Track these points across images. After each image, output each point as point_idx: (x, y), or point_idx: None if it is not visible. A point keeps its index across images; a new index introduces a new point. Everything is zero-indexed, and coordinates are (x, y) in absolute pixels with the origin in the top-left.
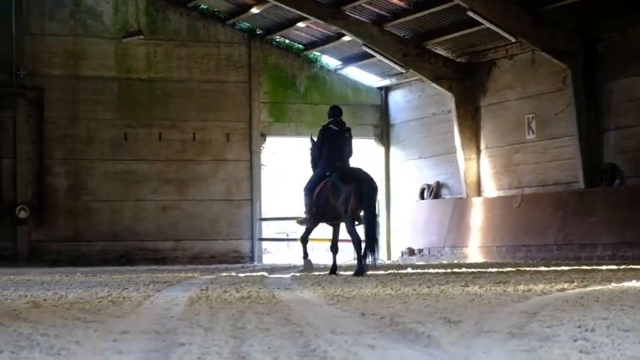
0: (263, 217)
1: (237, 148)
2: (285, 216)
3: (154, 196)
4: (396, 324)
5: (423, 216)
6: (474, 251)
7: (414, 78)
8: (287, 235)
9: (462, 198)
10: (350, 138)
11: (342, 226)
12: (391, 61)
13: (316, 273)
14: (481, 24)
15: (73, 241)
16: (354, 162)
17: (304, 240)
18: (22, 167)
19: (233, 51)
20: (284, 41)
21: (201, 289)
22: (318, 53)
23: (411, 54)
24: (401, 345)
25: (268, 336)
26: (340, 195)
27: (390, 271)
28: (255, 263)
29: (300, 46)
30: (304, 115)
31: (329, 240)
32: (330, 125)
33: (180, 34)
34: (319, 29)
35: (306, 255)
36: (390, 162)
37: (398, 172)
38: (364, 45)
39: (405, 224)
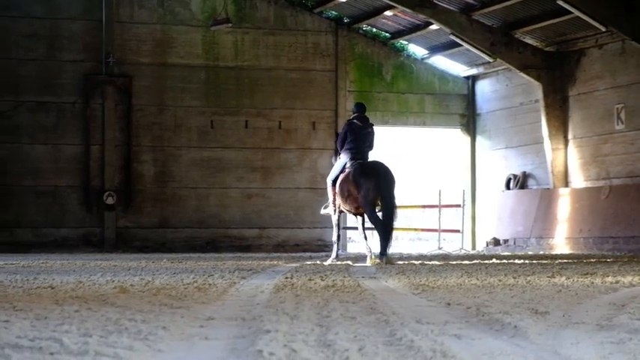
0: None
1: (322, 136)
2: None
3: (239, 184)
4: (482, 314)
5: (508, 206)
6: (561, 242)
7: (502, 67)
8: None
9: (548, 188)
10: (372, 133)
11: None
12: (479, 50)
13: (400, 262)
14: (571, 13)
15: (159, 227)
16: (376, 155)
17: (338, 237)
18: (110, 154)
19: (320, 39)
20: (371, 30)
21: (286, 277)
22: (404, 42)
23: (499, 43)
24: (487, 335)
25: (354, 324)
26: (360, 186)
27: (475, 261)
28: (340, 252)
29: (387, 34)
30: (390, 104)
31: (406, 229)
32: (354, 120)
33: (267, 22)
34: (407, 18)
35: (338, 247)
36: (476, 152)
37: (484, 162)
38: (452, 34)
39: (490, 214)
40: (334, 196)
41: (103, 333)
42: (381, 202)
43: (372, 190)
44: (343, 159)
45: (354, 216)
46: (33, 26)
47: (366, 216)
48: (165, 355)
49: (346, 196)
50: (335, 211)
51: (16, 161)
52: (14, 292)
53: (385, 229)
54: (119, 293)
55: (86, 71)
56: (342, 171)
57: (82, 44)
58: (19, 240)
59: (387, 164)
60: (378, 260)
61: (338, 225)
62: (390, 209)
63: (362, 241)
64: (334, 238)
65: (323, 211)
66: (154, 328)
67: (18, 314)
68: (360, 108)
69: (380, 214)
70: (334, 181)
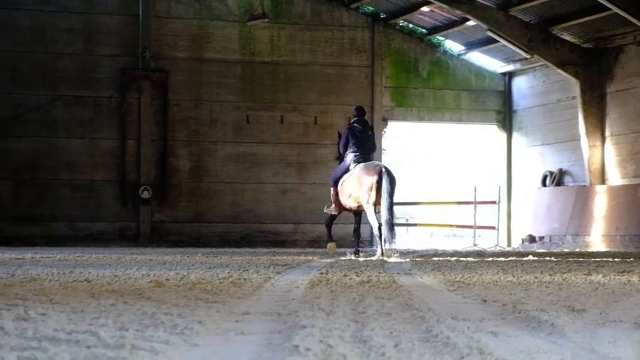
0: None
1: None
2: (405, 201)
3: (274, 179)
4: (519, 311)
5: (544, 203)
6: (597, 240)
7: (539, 64)
8: (407, 220)
9: (585, 186)
10: (372, 135)
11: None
12: (516, 46)
13: (435, 259)
14: (609, 9)
15: (194, 222)
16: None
17: (328, 225)
18: (146, 148)
19: (356, 35)
20: (407, 25)
21: (321, 273)
22: (441, 38)
23: (537, 39)
24: (524, 333)
25: (390, 320)
26: (362, 186)
27: (510, 258)
28: (375, 248)
29: (424, 30)
30: (426, 100)
31: (441, 226)
32: (354, 124)
33: (304, 17)
34: (443, 14)
35: (330, 239)
36: (512, 148)
37: (520, 158)
38: (489, 30)
39: (525, 211)
40: (336, 195)
41: (139, 327)
42: (381, 202)
43: (375, 190)
44: (347, 161)
45: (353, 214)
46: (70, 21)
47: (368, 214)
48: (201, 349)
49: (349, 195)
50: (336, 210)
51: (53, 155)
52: (51, 285)
53: (388, 227)
54: (155, 287)
55: (123, 66)
56: (345, 172)
57: (119, 39)
58: (55, 233)
59: (389, 166)
60: (379, 257)
61: (332, 219)
62: (390, 209)
63: (356, 238)
64: (329, 234)
65: (326, 210)
66: (190, 323)
67: (55, 307)
68: (360, 112)
69: (380, 214)
70: (336, 182)
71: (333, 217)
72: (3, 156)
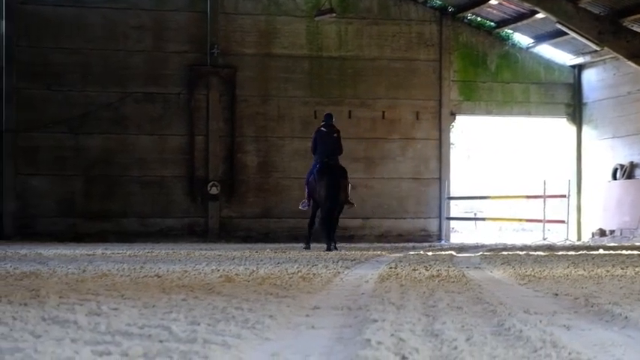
0: (451, 196)
1: (426, 126)
2: (473, 195)
3: None
4: (591, 305)
5: (615, 197)
6: None
7: (609, 56)
8: (475, 214)
9: None
10: (338, 138)
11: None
12: (586, 38)
13: (505, 253)
14: None
15: (262, 217)
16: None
17: (310, 225)
18: (214, 144)
19: (424, 29)
20: (475, 19)
21: (390, 267)
22: (510, 31)
23: (607, 31)
24: (597, 326)
25: (461, 314)
26: (319, 186)
27: (580, 252)
28: (443, 242)
29: (492, 23)
30: (495, 94)
31: (510, 220)
32: (322, 128)
33: (371, 12)
34: (512, 6)
35: (309, 236)
36: (582, 141)
37: (589, 151)
38: (558, 22)
39: (596, 205)
40: (309, 191)
41: (210, 321)
42: (327, 199)
43: (323, 187)
44: (315, 161)
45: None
46: (140, 18)
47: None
48: (272, 343)
49: (313, 191)
50: (309, 204)
51: (123, 152)
52: (122, 280)
53: (330, 223)
54: (225, 282)
55: (191, 62)
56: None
57: (187, 35)
58: (125, 229)
59: (341, 166)
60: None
61: (312, 216)
62: (333, 205)
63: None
64: (309, 228)
65: (301, 207)
66: (261, 317)
67: (126, 302)
68: (328, 118)
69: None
70: (308, 180)
71: (313, 215)
72: (74, 153)
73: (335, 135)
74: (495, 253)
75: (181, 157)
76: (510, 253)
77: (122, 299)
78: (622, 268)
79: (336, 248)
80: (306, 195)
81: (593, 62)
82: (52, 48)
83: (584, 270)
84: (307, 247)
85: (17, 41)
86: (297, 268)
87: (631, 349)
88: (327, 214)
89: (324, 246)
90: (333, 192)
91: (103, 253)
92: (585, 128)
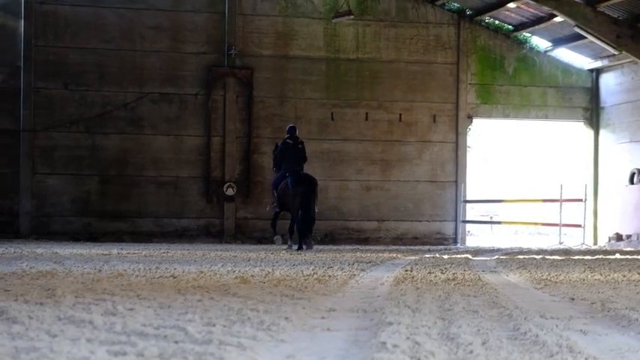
0: (467, 199)
1: (443, 129)
2: (489, 198)
3: (358, 176)
4: (608, 310)
5: (632, 201)
6: None
7: (627, 60)
8: (491, 217)
9: None
10: (303, 149)
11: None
12: (604, 42)
13: (521, 256)
14: None
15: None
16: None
17: (273, 224)
18: (231, 145)
19: (442, 32)
20: (493, 22)
21: (406, 270)
22: (528, 34)
23: (625, 35)
24: (614, 331)
25: (476, 318)
26: (291, 193)
27: (597, 257)
28: (459, 245)
29: (510, 27)
30: (512, 97)
31: (526, 223)
32: (287, 140)
33: (389, 14)
34: (530, 10)
35: (275, 233)
36: (600, 145)
37: (607, 155)
38: (576, 26)
39: (612, 209)
40: (278, 197)
41: (226, 322)
42: (302, 207)
43: (298, 195)
44: (283, 170)
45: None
46: (157, 18)
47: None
48: (288, 345)
49: (283, 198)
50: (278, 208)
51: (139, 152)
52: (137, 280)
53: (304, 227)
54: (240, 283)
55: (208, 63)
56: (282, 178)
57: (204, 36)
58: (140, 229)
59: (312, 177)
60: (295, 252)
61: (275, 216)
62: (307, 214)
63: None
64: (274, 230)
65: (268, 209)
66: (277, 319)
67: (142, 302)
68: (292, 130)
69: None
70: (276, 186)
71: (276, 216)
72: (90, 153)
73: (300, 146)
74: (511, 257)
75: (197, 157)
76: (526, 256)
77: (138, 299)
78: (639, 273)
79: (311, 245)
80: (275, 199)
81: (611, 66)
82: (69, 48)
83: (601, 274)
84: (286, 242)
85: (35, 41)
86: (313, 270)
87: None
88: (304, 220)
89: (297, 246)
90: (308, 200)
91: (118, 253)
92: (603, 132)
